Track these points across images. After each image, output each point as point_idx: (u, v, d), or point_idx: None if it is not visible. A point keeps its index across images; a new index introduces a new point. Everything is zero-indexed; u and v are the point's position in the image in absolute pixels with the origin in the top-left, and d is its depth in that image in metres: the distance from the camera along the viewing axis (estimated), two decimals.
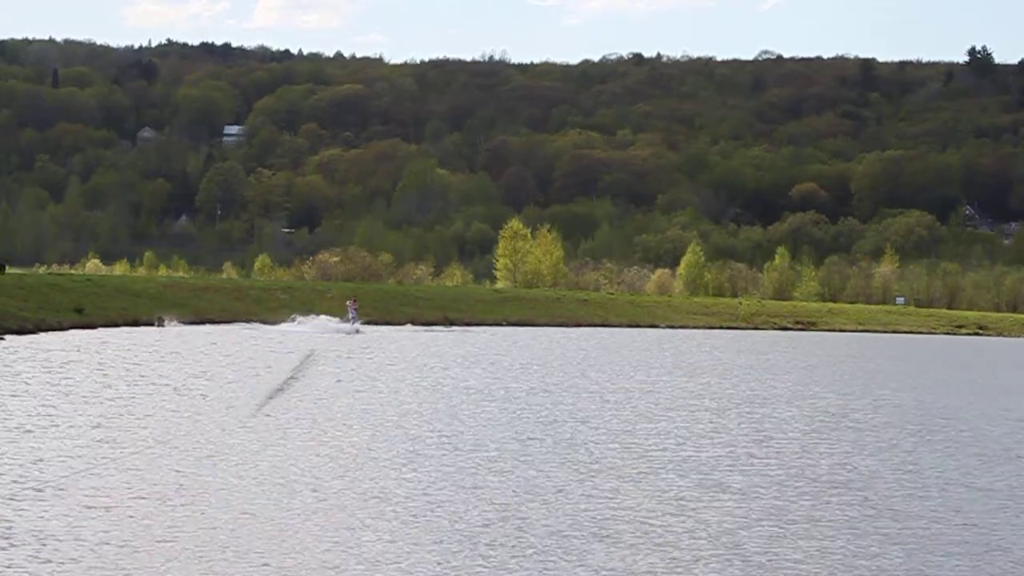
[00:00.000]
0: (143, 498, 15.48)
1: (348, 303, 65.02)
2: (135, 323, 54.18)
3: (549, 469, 19.14)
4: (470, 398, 29.41)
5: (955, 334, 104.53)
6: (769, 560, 13.85)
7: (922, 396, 36.78)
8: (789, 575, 13.31)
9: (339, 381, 32.67)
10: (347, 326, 60.37)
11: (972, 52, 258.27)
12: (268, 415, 24.37)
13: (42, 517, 14.15)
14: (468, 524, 14.90)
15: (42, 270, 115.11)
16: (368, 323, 65.74)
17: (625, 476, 18.82)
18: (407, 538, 14.09)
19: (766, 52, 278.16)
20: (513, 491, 17.10)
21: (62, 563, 12.34)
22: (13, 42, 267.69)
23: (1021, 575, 14.00)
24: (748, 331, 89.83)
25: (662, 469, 19.74)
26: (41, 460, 17.73)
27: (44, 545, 12.93)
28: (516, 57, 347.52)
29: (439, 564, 13.00)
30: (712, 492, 17.81)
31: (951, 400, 36.01)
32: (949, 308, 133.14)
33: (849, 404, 32.97)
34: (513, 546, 13.91)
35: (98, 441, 19.78)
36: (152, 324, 54.60)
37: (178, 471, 17.44)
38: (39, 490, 15.61)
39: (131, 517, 14.42)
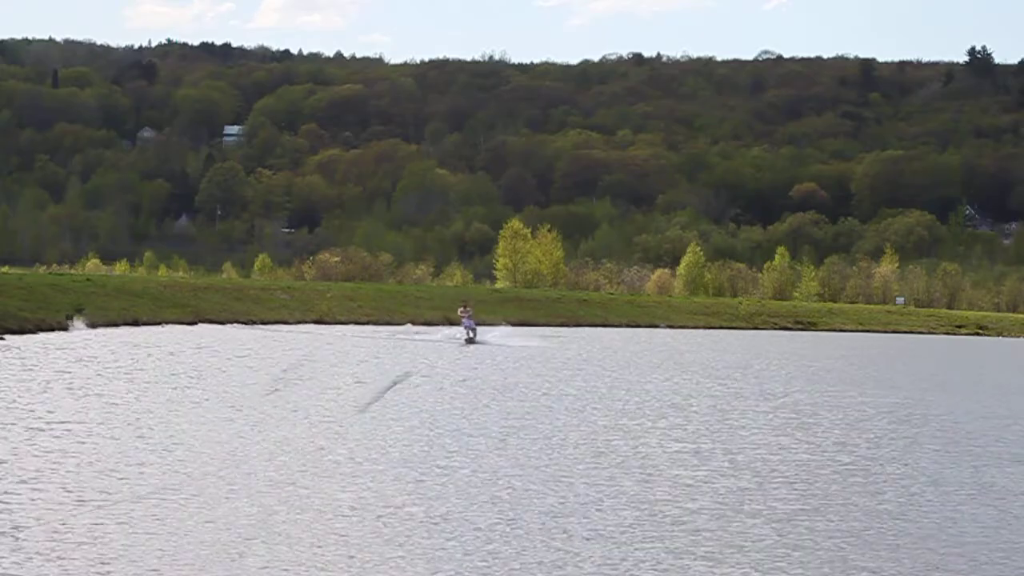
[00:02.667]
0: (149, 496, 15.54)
1: (460, 311, 56.10)
2: (135, 323, 54.16)
3: (497, 466, 19.16)
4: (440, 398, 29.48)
5: (955, 334, 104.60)
6: (692, 551, 13.95)
7: (902, 395, 36.74)
8: (714, 567, 13.39)
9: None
10: (463, 333, 53.81)
11: (972, 52, 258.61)
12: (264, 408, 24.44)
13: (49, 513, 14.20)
14: (399, 520, 14.92)
15: (42, 270, 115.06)
16: (369, 323, 65.74)
17: (576, 472, 18.92)
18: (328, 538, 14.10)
19: (766, 52, 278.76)
20: (455, 487, 17.15)
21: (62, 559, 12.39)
22: (13, 42, 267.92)
23: (955, 564, 14.09)
24: (748, 331, 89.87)
25: (615, 464, 19.85)
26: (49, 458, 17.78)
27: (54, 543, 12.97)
28: (516, 57, 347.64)
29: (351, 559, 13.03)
30: (660, 487, 17.92)
31: (932, 399, 36.00)
32: (949, 308, 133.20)
33: (821, 402, 32.95)
34: (456, 540, 13.99)
35: (102, 437, 19.83)
36: (66, 328, 47.82)
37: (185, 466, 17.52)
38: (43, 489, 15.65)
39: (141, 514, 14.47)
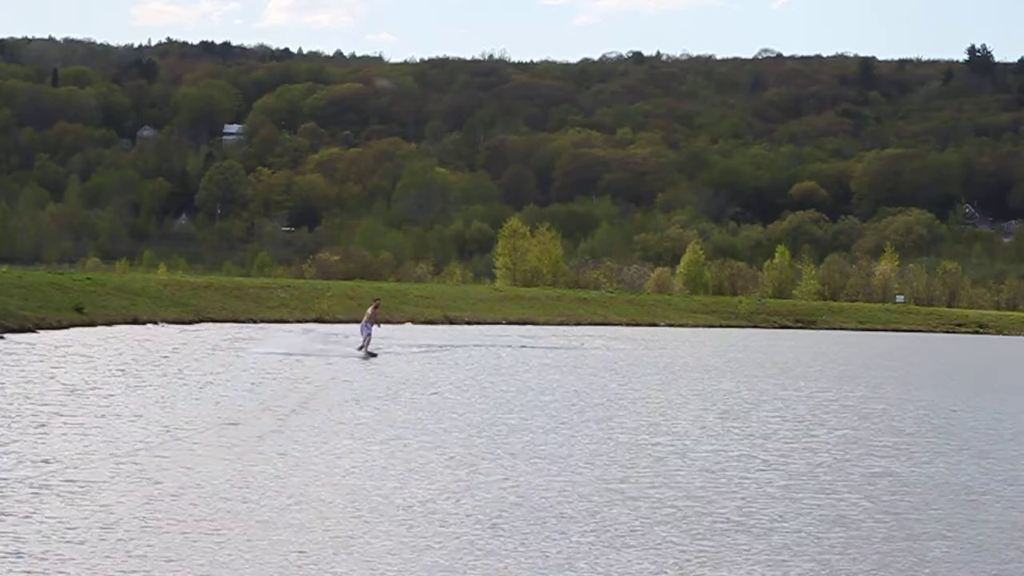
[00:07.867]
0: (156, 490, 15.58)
1: (371, 310, 44.42)
2: (135, 321, 54.17)
3: (429, 460, 19.36)
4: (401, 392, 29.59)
5: (955, 332, 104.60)
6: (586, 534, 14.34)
7: (859, 391, 36.82)
8: (621, 549, 13.72)
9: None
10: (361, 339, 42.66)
11: (972, 51, 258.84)
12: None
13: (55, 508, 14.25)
14: (357, 517, 15.09)
15: (42, 269, 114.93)
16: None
17: (478, 466, 19.14)
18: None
19: (766, 51, 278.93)
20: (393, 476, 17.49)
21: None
22: (13, 41, 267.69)
23: (857, 544, 14.47)
24: (748, 329, 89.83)
25: (515, 454, 20.25)
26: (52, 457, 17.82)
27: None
28: (516, 56, 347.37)
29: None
30: (557, 474, 18.37)
31: (886, 394, 36.16)
32: (949, 307, 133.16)
33: (763, 398, 33.08)
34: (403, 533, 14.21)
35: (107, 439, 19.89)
36: None
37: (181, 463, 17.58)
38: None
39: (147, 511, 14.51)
